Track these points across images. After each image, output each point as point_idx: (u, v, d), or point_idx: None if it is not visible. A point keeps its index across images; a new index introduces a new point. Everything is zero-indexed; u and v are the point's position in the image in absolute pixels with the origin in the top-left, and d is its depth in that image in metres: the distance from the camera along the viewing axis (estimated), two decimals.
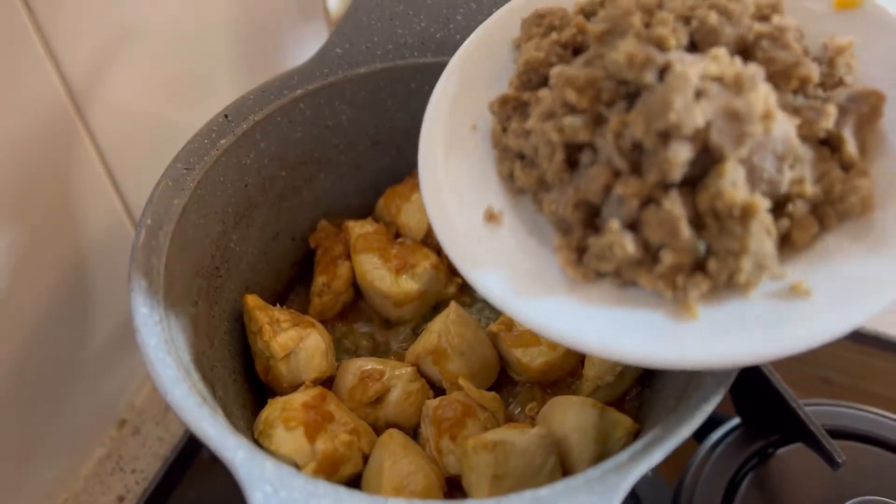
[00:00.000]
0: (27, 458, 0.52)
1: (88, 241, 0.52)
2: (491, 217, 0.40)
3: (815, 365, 0.62)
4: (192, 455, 0.56)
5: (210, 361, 0.44)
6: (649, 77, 0.33)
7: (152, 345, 0.37)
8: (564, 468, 0.43)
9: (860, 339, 0.64)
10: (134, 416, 0.60)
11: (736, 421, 0.54)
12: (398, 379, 0.48)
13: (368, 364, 0.49)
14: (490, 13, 0.52)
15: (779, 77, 0.36)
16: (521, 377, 0.50)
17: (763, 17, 0.38)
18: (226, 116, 0.49)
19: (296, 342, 0.47)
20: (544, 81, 0.40)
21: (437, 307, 0.54)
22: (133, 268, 0.41)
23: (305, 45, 0.59)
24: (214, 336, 0.46)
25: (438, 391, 0.49)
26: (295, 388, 0.47)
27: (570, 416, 0.44)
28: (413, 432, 0.48)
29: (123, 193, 0.54)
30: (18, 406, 0.50)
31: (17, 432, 0.50)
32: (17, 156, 0.45)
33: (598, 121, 0.36)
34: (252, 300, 0.49)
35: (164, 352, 0.38)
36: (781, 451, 0.53)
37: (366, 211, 0.58)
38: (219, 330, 0.47)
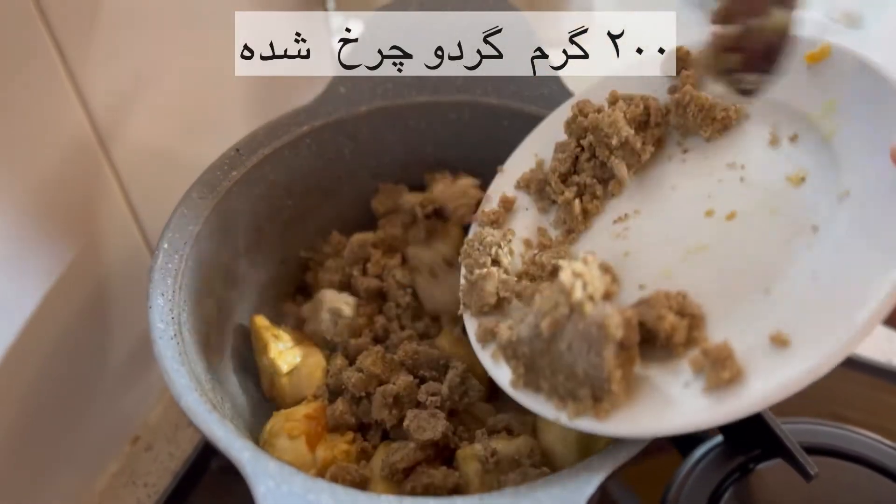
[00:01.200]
0: (46, 471, 0.54)
1: (108, 267, 0.56)
2: None
3: (825, 400, 0.62)
4: (201, 470, 0.59)
5: (219, 375, 0.47)
6: None
7: (168, 356, 0.41)
8: None
9: (873, 372, 0.65)
10: (147, 433, 0.63)
11: (718, 438, 0.57)
12: None
13: None
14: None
15: None
16: None
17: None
18: (237, 150, 0.53)
19: (298, 359, 0.51)
20: None
21: None
22: (151, 287, 0.44)
23: (312, 85, 0.62)
24: (224, 352, 0.49)
25: None
26: (297, 402, 0.50)
27: (556, 427, 0.47)
28: None
29: (142, 222, 0.58)
30: (40, 422, 0.53)
31: (37, 447, 0.53)
32: (45, 186, 0.48)
33: None
34: (259, 320, 0.52)
35: (179, 363, 0.41)
36: (761, 466, 0.55)
37: None
38: (228, 347, 0.50)
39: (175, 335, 0.43)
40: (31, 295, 0.49)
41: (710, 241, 0.41)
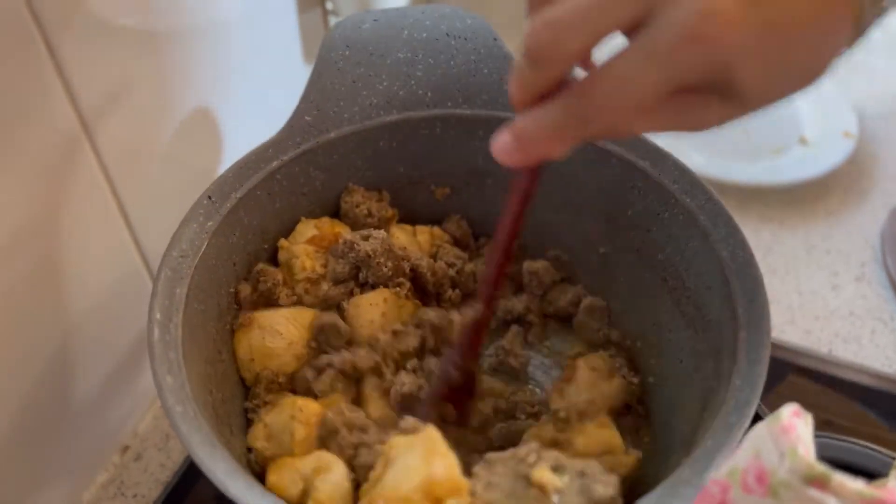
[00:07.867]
0: (34, 482, 0.54)
1: (98, 276, 0.55)
2: None
3: (817, 408, 0.61)
4: (191, 481, 0.60)
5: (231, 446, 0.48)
6: None
7: (196, 441, 0.40)
8: None
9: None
10: (137, 443, 0.63)
11: None
12: None
13: None
14: (448, 66, 0.55)
15: None
16: None
17: None
18: (209, 198, 0.50)
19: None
20: None
21: None
22: (156, 364, 0.42)
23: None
24: (232, 424, 0.50)
25: None
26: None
27: None
28: None
29: (134, 228, 0.56)
30: (28, 432, 0.52)
31: (25, 457, 0.53)
32: (36, 190, 0.47)
33: None
34: None
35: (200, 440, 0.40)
36: None
37: None
38: (232, 417, 0.50)
39: (194, 415, 0.42)
40: (19, 300, 0.48)
41: None
